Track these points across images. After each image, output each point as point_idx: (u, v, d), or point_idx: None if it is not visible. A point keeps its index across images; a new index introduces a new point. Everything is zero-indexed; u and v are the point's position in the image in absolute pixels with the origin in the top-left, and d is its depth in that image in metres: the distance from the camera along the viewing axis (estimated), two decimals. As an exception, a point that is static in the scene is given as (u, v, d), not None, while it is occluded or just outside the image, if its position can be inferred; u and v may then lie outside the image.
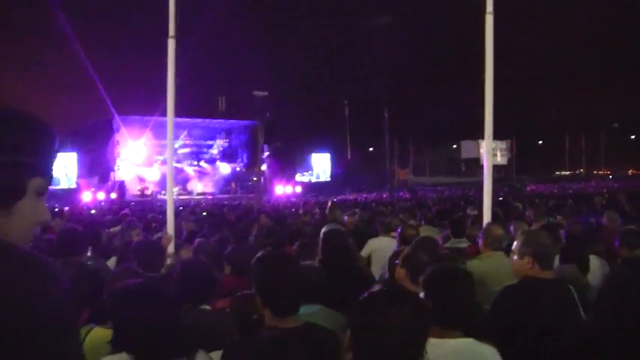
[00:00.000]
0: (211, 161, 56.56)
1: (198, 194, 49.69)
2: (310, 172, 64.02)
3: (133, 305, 2.92)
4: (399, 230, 7.20)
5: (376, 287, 2.40)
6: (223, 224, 10.60)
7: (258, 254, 3.41)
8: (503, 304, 4.19)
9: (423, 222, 10.82)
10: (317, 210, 17.09)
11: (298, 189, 56.62)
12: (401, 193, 44.95)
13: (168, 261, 6.03)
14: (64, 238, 6.05)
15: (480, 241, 5.71)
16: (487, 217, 6.35)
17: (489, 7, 6.24)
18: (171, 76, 6.60)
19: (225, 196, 49.02)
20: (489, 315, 4.23)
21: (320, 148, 65.04)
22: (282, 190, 53.55)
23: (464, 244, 7.63)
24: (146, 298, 2.97)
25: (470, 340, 3.11)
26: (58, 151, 1.52)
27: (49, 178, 1.47)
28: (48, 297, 1.32)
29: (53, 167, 1.50)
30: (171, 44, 6.63)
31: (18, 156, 1.38)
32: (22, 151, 1.40)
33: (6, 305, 1.25)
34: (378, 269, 7.07)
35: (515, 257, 4.31)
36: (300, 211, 16.93)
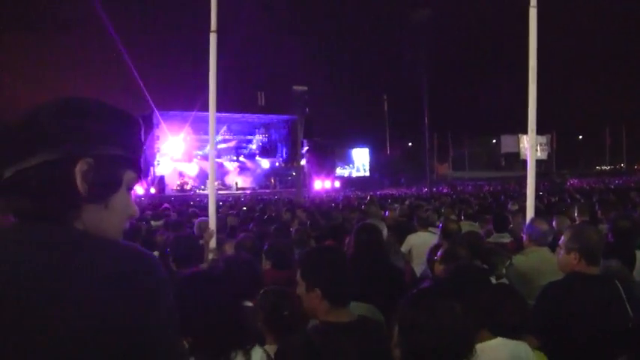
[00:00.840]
0: (251, 156, 56.87)
1: (238, 189, 49.96)
2: (351, 165, 63.97)
3: (198, 291, 2.94)
4: (440, 225, 7.14)
5: (424, 284, 2.36)
6: (264, 220, 10.61)
7: (313, 247, 3.38)
8: (549, 300, 4.13)
9: (463, 217, 10.74)
10: (357, 204, 17.07)
11: (337, 184, 56.71)
12: (440, 188, 44.75)
13: (211, 256, 6.05)
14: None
15: (525, 236, 5.64)
16: (530, 212, 6.26)
17: (533, 0, 6.16)
18: (213, 71, 6.60)
19: (265, 190, 49.17)
20: (534, 311, 4.17)
21: (359, 143, 65.00)
22: (320, 184, 53.65)
23: (506, 239, 7.57)
24: (211, 285, 2.99)
25: (500, 340, 3.06)
26: (144, 145, 1.51)
27: (139, 171, 1.47)
28: (162, 295, 1.33)
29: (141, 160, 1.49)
30: (212, 39, 6.62)
31: (114, 149, 1.37)
32: (118, 143, 1.39)
33: (126, 305, 1.25)
34: (419, 265, 7.02)
35: (562, 252, 4.25)
36: (340, 206, 16.90)
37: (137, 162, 1.44)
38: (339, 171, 61.83)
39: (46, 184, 1.31)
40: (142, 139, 1.49)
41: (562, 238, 4.32)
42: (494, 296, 3.21)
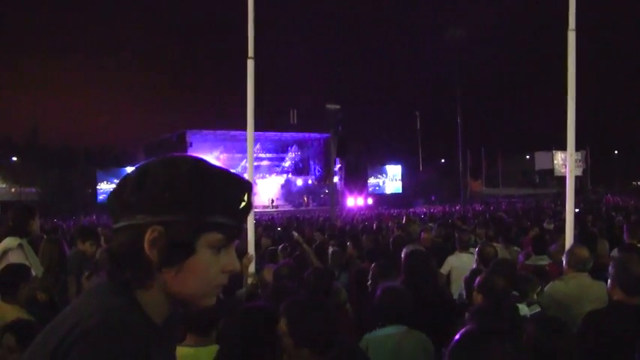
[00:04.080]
0: (284, 174, 57.07)
1: (273, 207, 50.17)
2: (384, 174, 63.76)
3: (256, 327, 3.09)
4: (477, 249, 7.11)
5: (472, 326, 2.35)
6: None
7: (299, 301, 3.40)
8: (589, 329, 4.11)
9: (500, 238, 10.66)
10: (391, 224, 17.02)
11: (370, 201, 56.61)
12: (474, 206, 44.42)
13: (250, 280, 6.09)
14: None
15: (564, 262, 5.60)
16: (569, 236, 6.23)
17: (572, 24, 6.18)
18: (251, 96, 6.68)
19: (298, 209, 49.27)
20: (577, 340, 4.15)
21: (392, 161, 64.90)
22: (353, 202, 53.62)
23: (545, 261, 7.51)
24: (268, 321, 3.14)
25: None
26: (241, 201, 1.49)
27: (229, 231, 1.46)
28: None
29: (239, 219, 1.49)
30: (250, 65, 6.72)
31: (186, 215, 1.39)
32: (190, 208, 1.40)
33: None
34: (457, 287, 7.00)
35: (610, 281, 4.24)
36: (374, 226, 16.86)
37: (228, 224, 1.45)
38: (371, 181, 61.69)
39: (121, 248, 1.42)
40: (239, 200, 1.48)
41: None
42: (541, 331, 3.20)
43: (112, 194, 1.47)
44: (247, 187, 1.51)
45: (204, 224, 1.41)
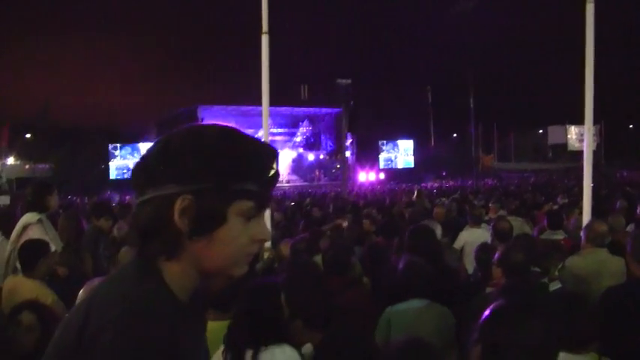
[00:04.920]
0: (295, 149, 57.05)
1: (284, 182, 50.21)
2: (396, 148, 63.60)
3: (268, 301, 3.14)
4: (492, 224, 7.11)
5: (503, 301, 2.34)
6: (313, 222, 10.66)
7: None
8: (608, 305, 4.10)
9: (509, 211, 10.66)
10: (404, 199, 17.02)
11: (382, 176, 56.59)
12: (486, 180, 44.31)
13: (266, 255, 6.12)
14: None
15: (583, 237, 5.59)
16: (587, 211, 6.22)
17: (590, -5, 6.13)
18: (266, 71, 6.68)
19: (310, 184, 49.33)
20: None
21: (403, 135, 64.73)
22: (365, 177, 53.60)
23: (560, 236, 7.50)
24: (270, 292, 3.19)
25: (566, 357, 3.00)
26: (269, 169, 1.47)
27: (259, 199, 1.44)
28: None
29: (267, 187, 1.48)
30: (264, 40, 6.70)
31: (219, 182, 1.38)
32: (225, 176, 1.39)
33: None
34: (471, 262, 7.02)
35: (628, 257, 4.23)
36: (387, 201, 16.88)
37: (257, 192, 1.43)
38: (383, 156, 61.56)
39: (149, 221, 1.39)
40: (265, 167, 1.46)
41: None
42: (566, 308, 3.20)
43: (137, 166, 1.45)
44: (275, 154, 1.49)
45: (234, 192, 1.40)
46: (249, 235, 1.45)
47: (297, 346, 3.18)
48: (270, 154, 1.48)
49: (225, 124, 1.49)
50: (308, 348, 3.38)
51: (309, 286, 3.58)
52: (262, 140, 1.52)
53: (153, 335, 1.28)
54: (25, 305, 3.83)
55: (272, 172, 1.47)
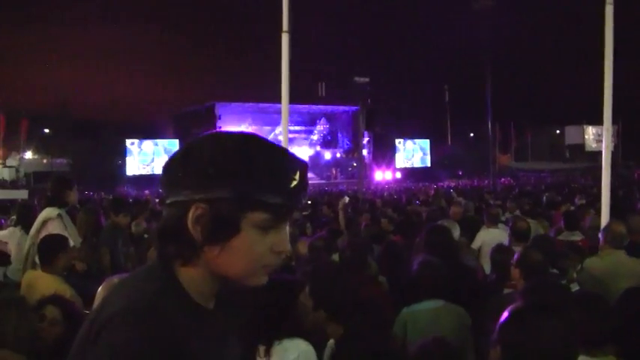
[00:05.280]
0: (312, 146, 57.04)
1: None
2: (412, 147, 63.41)
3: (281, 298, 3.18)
4: (509, 224, 7.09)
5: (522, 302, 2.34)
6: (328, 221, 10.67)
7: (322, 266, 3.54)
8: (626, 307, 4.08)
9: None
10: (422, 198, 17.02)
11: (398, 175, 56.50)
12: (502, 180, 44.12)
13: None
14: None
15: (601, 238, 5.57)
16: (605, 212, 6.18)
17: (610, -3, 6.10)
18: (286, 70, 6.67)
19: (326, 181, 49.33)
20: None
21: (420, 134, 64.57)
22: (381, 175, 53.52)
23: (577, 237, 7.47)
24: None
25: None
26: (291, 180, 1.43)
27: (277, 210, 1.42)
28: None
29: (291, 199, 1.44)
30: (284, 38, 6.69)
31: (230, 192, 1.37)
32: (234, 185, 1.37)
33: None
34: (489, 262, 7.00)
35: None
36: (404, 200, 16.87)
37: (276, 204, 1.41)
38: (399, 154, 61.38)
39: (168, 225, 1.42)
40: (289, 179, 1.43)
41: None
42: (585, 310, 3.19)
43: (163, 170, 1.47)
44: (301, 166, 1.46)
45: (248, 202, 1.39)
46: (267, 245, 1.44)
47: (319, 342, 3.22)
48: (293, 164, 1.45)
49: (249, 132, 1.49)
50: (331, 344, 3.42)
51: (333, 277, 3.60)
52: (290, 152, 1.50)
53: (149, 334, 1.28)
54: (49, 300, 3.87)
55: (294, 183, 1.43)
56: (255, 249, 1.42)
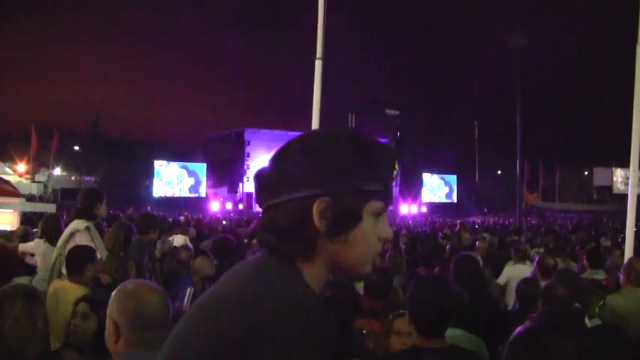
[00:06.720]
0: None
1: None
2: (439, 183, 63.13)
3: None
4: (537, 259, 7.08)
5: (535, 321, 2.33)
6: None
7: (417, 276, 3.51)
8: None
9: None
10: (445, 231, 16.98)
11: (424, 209, 56.31)
12: (529, 218, 43.79)
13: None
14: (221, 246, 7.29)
15: (622, 276, 5.54)
16: (629, 251, 6.16)
17: (640, 38, 6.11)
18: (317, 96, 6.70)
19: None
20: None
21: (447, 169, 64.43)
22: (407, 209, 53.34)
23: (601, 275, 7.44)
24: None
25: None
26: (394, 169, 1.51)
27: (386, 198, 1.49)
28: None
29: (390, 186, 1.51)
30: (318, 65, 6.75)
31: (354, 184, 1.42)
32: (359, 177, 1.43)
33: None
34: (514, 297, 6.99)
35: None
36: (429, 231, 16.84)
37: (385, 192, 1.48)
38: (426, 189, 61.15)
39: (289, 222, 1.43)
40: (388, 166, 1.50)
41: None
42: (602, 339, 3.19)
43: (267, 171, 1.48)
44: (397, 157, 1.54)
45: (368, 192, 1.44)
46: (376, 234, 1.49)
47: None
48: (394, 155, 1.53)
49: (349, 128, 1.54)
50: None
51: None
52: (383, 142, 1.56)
53: (318, 321, 1.34)
54: (79, 298, 4.12)
55: (395, 172, 1.51)
56: (371, 237, 1.48)
